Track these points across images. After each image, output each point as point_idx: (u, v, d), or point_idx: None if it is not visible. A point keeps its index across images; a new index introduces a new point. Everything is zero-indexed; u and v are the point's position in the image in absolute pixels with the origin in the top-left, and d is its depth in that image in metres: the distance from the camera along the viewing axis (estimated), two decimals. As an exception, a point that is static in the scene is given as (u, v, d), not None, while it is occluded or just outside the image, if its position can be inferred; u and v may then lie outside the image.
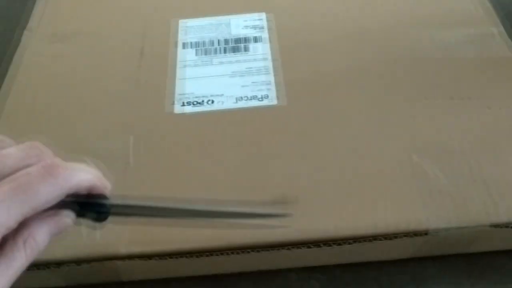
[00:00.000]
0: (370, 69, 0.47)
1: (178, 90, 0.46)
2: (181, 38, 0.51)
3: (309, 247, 0.37)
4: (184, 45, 0.50)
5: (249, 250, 0.37)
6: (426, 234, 0.37)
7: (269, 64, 0.48)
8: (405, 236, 0.37)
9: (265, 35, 0.51)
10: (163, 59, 0.49)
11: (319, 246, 0.37)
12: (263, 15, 0.53)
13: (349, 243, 0.37)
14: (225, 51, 0.50)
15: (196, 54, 0.49)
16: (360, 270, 0.41)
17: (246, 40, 0.50)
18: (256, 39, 0.50)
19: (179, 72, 0.48)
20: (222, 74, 0.48)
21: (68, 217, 0.23)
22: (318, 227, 0.37)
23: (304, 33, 0.51)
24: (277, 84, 0.46)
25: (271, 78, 0.47)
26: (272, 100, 0.45)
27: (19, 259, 0.21)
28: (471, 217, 0.37)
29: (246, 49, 0.50)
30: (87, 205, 0.23)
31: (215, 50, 0.50)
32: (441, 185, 0.39)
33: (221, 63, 0.49)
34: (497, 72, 0.46)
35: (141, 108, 0.46)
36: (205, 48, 0.50)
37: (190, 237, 0.36)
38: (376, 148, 0.41)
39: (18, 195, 0.20)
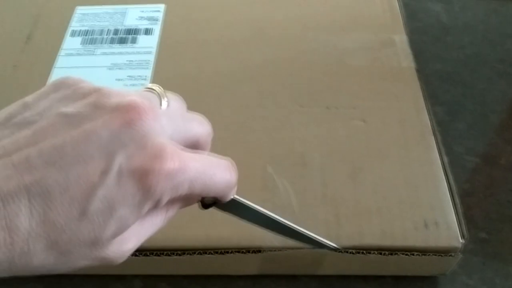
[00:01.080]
0: (254, 71, 0.44)
1: (52, 79, 0.44)
2: (73, 25, 0.49)
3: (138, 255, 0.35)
4: (73, 33, 0.48)
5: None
6: (259, 251, 0.35)
7: (151, 58, 0.46)
8: (237, 252, 0.35)
9: (157, 27, 0.48)
10: (48, 46, 0.47)
11: (146, 255, 0.35)
12: (161, 7, 0.51)
13: (178, 254, 0.35)
14: (112, 42, 0.47)
15: (82, 43, 0.47)
16: (206, 283, 0.39)
17: (136, 31, 0.48)
18: (146, 32, 0.48)
19: (59, 60, 0.46)
20: (101, 65, 0.45)
21: (195, 199, 0.23)
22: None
23: (198, 29, 0.48)
24: (153, 80, 0.44)
25: (148, 73, 0.44)
26: (142, 97, 0.43)
27: (156, 224, 0.21)
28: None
29: (133, 41, 0.47)
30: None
31: (102, 40, 0.48)
32: (287, 200, 0.36)
33: (104, 54, 0.46)
34: (384, 83, 0.43)
35: (13, 95, 0.44)
36: (92, 37, 0.48)
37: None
38: (234, 154, 0.39)
39: (201, 179, 0.20)
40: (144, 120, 0.19)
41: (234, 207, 0.25)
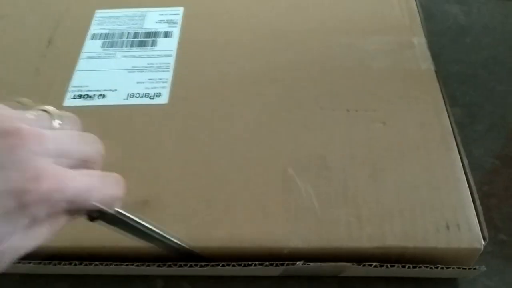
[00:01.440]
0: (275, 74, 0.45)
1: (73, 82, 0.45)
2: (93, 29, 0.50)
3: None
4: (93, 36, 0.49)
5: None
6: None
7: (171, 61, 0.46)
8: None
9: (176, 30, 0.49)
10: (69, 50, 0.48)
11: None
12: (180, 10, 0.51)
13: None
14: (131, 45, 0.48)
15: (102, 46, 0.48)
16: (230, 284, 0.39)
17: (156, 34, 0.49)
18: (166, 34, 0.49)
19: (80, 64, 0.47)
20: (122, 68, 0.46)
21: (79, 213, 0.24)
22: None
23: (216, 32, 0.49)
24: (173, 83, 0.44)
25: (169, 75, 0.45)
26: (164, 99, 0.43)
27: (38, 237, 0.22)
28: (332, 240, 0.35)
29: (153, 44, 0.48)
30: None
31: (122, 43, 0.48)
32: (309, 202, 0.36)
33: (124, 57, 0.47)
34: (403, 85, 0.43)
35: (35, 98, 0.44)
36: (112, 41, 0.48)
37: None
38: (254, 156, 0.39)
39: (80, 196, 0.22)
40: (26, 146, 0.20)
41: (118, 222, 0.26)
